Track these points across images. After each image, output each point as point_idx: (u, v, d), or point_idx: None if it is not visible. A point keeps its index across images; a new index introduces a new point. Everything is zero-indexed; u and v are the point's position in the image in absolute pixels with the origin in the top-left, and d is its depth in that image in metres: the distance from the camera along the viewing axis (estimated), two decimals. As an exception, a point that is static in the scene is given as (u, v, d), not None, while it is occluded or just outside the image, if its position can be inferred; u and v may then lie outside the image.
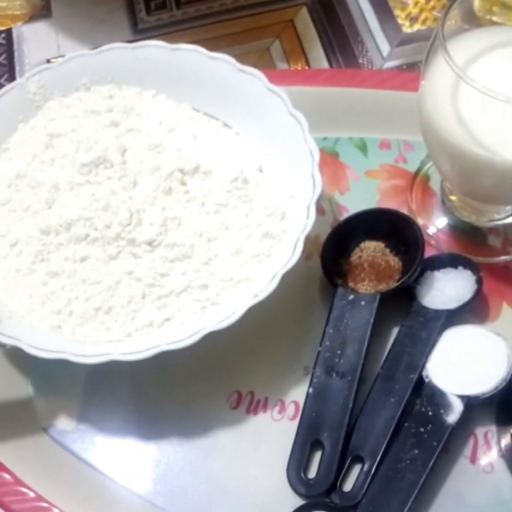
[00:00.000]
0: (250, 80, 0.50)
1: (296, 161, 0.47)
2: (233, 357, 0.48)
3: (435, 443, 0.42)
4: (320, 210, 0.55)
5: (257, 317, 0.49)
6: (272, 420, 0.47)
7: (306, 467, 0.44)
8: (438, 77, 0.43)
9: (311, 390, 0.45)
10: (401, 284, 0.47)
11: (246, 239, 0.45)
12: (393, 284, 0.48)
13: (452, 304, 0.47)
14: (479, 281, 0.48)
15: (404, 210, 0.54)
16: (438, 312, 0.47)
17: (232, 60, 0.51)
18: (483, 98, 0.40)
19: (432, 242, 0.52)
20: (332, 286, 0.48)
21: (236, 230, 0.45)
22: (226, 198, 0.46)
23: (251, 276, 0.44)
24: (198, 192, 0.46)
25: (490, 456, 0.44)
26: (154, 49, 0.53)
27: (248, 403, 0.47)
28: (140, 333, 0.43)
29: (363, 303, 0.47)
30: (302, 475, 0.43)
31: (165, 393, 0.48)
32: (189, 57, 0.52)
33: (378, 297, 0.46)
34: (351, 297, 0.47)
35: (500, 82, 0.42)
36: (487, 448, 0.45)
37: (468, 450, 0.45)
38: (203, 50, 0.52)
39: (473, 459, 0.44)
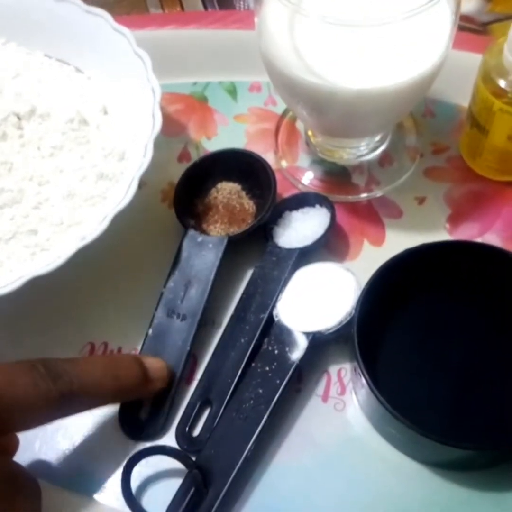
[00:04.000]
0: (96, 21, 0.49)
1: (139, 100, 0.46)
2: (86, 308, 0.47)
3: (278, 381, 0.41)
4: (186, 156, 0.54)
5: (110, 265, 0.48)
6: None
7: (138, 411, 0.43)
8: (268, 11, 0.41)
9: (150, 331, 0.44)
10: (249, 228, 0.46)
11: (80, 181, 0.43)
12: (243, 228, 0.46)
13: (306, 242, 0.46)
14: (332, 218, 0.46)
15: (271, 153, 0.53)
16: (290, 251, 0.46)
17: (78, 1, 0.49)
18: (316, 27, 0.38)
19: (299, 185, 0.51)
20: (183, 227, 0.47)
21: (70, 172, 0.43)
22: (62, 141, 0.44)
23: (84, 220, 0.42)
24: (34, 136, 0.44)
25: (342, 394, 0.43)
26: (0, -5, 0.51)
27: (102, 353, 0.46)
28: (-31, 282, 0.41)
29: (210, 246, 0.45)
30: (135, 417, 0.42)
31: (16, 345, 0.46)
32: (35, 2, 0.50)
33: (225, 240, 0.45)
34: (199, 239, 0.46)
35: (332, 8, 0.40)
36: (339, 386, 0.44)
37: (320, 388, 0.44)
38: (48, -8, 0.50)
39: (325, 397, 0.43)
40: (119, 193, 0.42)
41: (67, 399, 0.36)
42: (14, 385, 0.34)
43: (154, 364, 0.42)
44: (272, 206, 0.47)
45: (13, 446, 0.38)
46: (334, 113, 0.44)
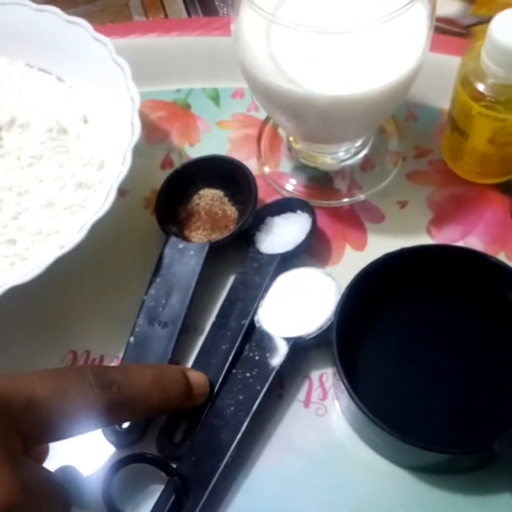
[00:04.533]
0: (76, 30, 0.49)
1: (119, 108, 0.46)
2: (68, 316, 0.47)
3: (258, 387, 0.41)
4: (169, 163, 0.54)
5: (93, 273, 0.48)
6: (107, 377, 0.45)
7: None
8: (244, 19, 0.42)
9: (132, 339, 0.44)
10: (231, 234, 0.46)
11: (59, 190, 0.43)
12: (225, 234, 0.47)
13: (288, 248, 0.46)
14: (313, 223, 0.46)
15: (254, 159, 0.53)
16: (271, 257, 0.46)
17: (58, 10, 0.50)
18: (291, 34, 0.38)
19: (282, 191, 0.51)
20: (165, 234, 0.47)
21: (49, 182, 0.43)
22: (41, 150, 0.44)
23: (63, 229, 0.42)
24: (14, 146, 0.45)
25: (323, 399, 0.43)
26: (-19, 5, 0.51)
27: (84, 362, 0.45)
28: (-51, 294, 0.41)
29: (192, 252, 0.45)
30: (116, 426, 0.42)
31: (-2, 355, 0.46)
32: (15, 11, 0.50)
33: (207, 247, 0.45)
34: (181, 246, 0.46)
35: (307, 15, 0.40)
36: (321, 391, 0.44)
37: (302, 394, 0.44)
38: (29, 2, 0.50)
39: (307, 402, 0.43)
40: (98, 202, 0.42)
41: (113, 409, 0.35)
42: (64, 394, 0.34)
43: (198, 379, 0.41)
44: (253, 212, 0.47)
45: (44, 453, 0.38)
46: (312, 120, 0.44)
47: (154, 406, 0.39)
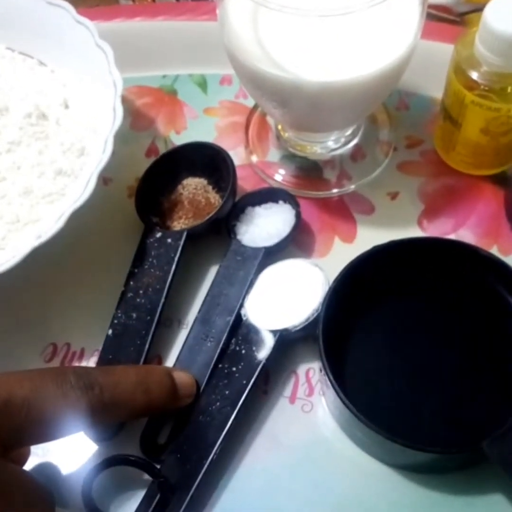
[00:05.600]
0: (59, 13, 0.47)
1: (101, 93, 0.44)
2: (48, 308, 0.46)
3: (245, 381, 0.40)
4: (154, 151, 0.52)
5: (74, 263, 0.47)
6: (87, 370, 0.44)
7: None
8: (230, 3, 0.40)
9: (110, 331, 0.43)
10: (207, 220, 0.45)
11: (37, 178, 0.42)
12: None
13: (271, 241, 0.45)
14: (297, 216, 0.45)
15: (241, 148, 0.52)
16: (255, 250, 0.44)
17: (39, -8, 0.48)
18: (278, 18, 0.37)
19: (270, 181, 0.50)
20: (143, 223, 0.45)
21: (28, 168, 0.42)
22: (19, 136, 0.43)
23: (41, 217, 0.41)
24: (-9, 132, 0.43)
25: (309, 395, 0.42)
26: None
27: (64, 355, 0.44)
28: None
29: (169, 240, 0.44)
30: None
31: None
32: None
33: (184, 233, 0.44)
34: (159, 235, 0.44)
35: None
36: (307, 387, 0.43)
37: (288, 390, 0.42)
38: (9, -16, 0.48)
39: (293, 398, 0.42)
40: (78, 190, 0.41)
41: (95, 411, 0.34)
42: (43, 396, 0.32)
43: (184, 380, 0.40)
44: (232, 198, 0.45)
45: (25, 455, 0.37)
46: (299, 107, 0.42)
47: (139, 408, 0.37)
